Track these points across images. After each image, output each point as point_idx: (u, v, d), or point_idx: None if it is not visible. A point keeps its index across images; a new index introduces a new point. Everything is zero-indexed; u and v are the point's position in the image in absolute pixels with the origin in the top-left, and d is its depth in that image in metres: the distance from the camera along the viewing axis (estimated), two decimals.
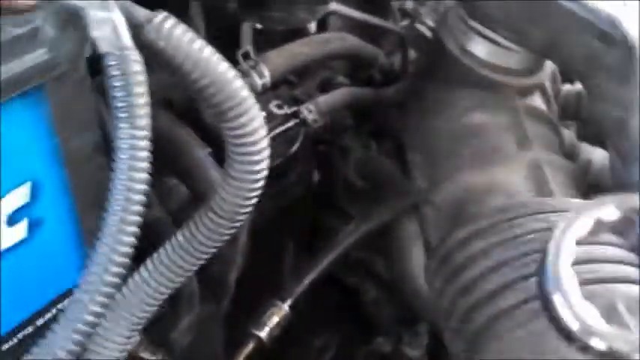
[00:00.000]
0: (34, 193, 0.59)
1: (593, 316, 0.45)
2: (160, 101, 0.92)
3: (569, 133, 0.80)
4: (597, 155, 0.82)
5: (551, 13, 0.64)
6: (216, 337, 0.99)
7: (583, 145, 0.84)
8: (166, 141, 0.87)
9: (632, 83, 0.64)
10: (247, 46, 0.96)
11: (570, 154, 0.80)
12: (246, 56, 0.98)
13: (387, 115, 1.14)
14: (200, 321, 0.87)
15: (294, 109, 1.00)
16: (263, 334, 0.85)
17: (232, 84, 0.52)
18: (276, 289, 0.99)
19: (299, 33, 1.04)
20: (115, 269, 0.51)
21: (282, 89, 1.10)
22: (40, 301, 0.65)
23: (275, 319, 0.86)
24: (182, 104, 0.94)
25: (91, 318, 0.51)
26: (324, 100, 1.03)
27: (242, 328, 0.91)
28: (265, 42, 1.02)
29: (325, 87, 1.15)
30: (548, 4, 0.65)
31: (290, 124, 0.98)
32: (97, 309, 0.51)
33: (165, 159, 0.89)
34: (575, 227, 0.46)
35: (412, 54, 1.18)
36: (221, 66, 0.52)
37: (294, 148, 0.98)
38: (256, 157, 0.55)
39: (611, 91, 0.63)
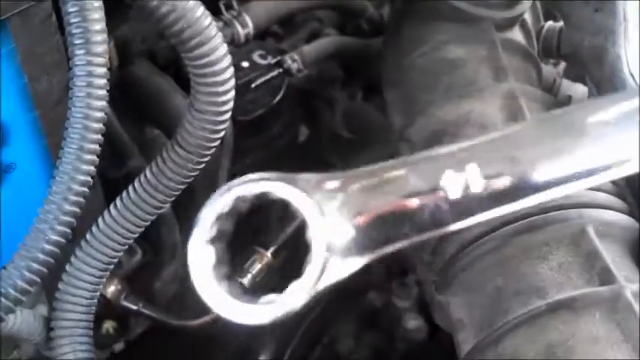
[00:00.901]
0: (4, 137, 0.59)
1: None
2: (143, 52, 0.91)
3: (549, 69, 0.79)
4: (578, 90, 0.81)
5: None
6: None
7: (564, 81, 0.82)
8: (147, 90, 0.87)
9: (611, 9, 0.63)
10: None
11: (550, 89, 0.79)
12: (228, 6, 0.97)
13: (375, 66, 1.13)
14: (185, 271, 0.87)
15: (278, 58, 0.99)
16: (245, 280, 0.85)
17: (193, 11, 0.51)
18: (259, 237, 0.99)
19: None
20: (74, 198, 0.51)
21: (268, 41, 1.09)
22: (16, 245, 0.65)
23: (257, 266, 0.86)
24: (165, 56, 0.94)
25: (50, 247, 0.50)
26: (309, 49, 1.02)
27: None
28: None
29: (313, 39, 1.14)
30: None
31: (273, 73, 0.98)
32: (57, 238, 0.51)
33: (146, 109, 0.89)
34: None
35: None
36: None
37: (278, 97, 0.97)
38: (220, 88, 0.54)
39: (587, 18, 0.62)
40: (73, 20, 0.48)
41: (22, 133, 0.61)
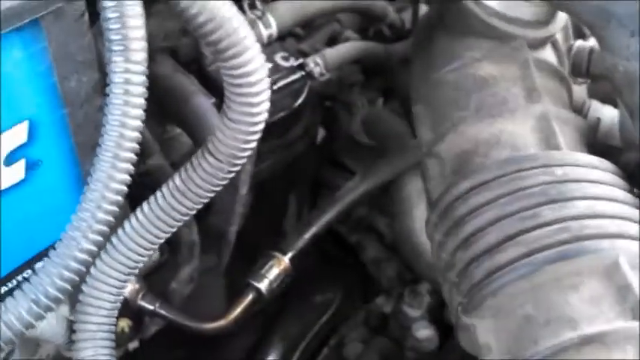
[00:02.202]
0: (32, 133, 0.58)
1: None
2: (165, 50, 0.91)
3: (579, 89, 0.78)
4: (607, 113, 0.80)
5: None
6: (216, 288, 0.99)
7: (593, 102, 0.82)
8: (170, 88, 0.86)
9: None
10: None
11: (579, 111, 0.78)
12: (252, 6, 0.96)
13: (395, 72, 1.12)
14: (200, 272, 0.87)
15: (301, 61, 0.99)
16: (262, 285, 0.85)
17: (231, 21, 0.50)
18: (277, 242, 0.98)
19: None
20: (108, 207, 0.50)
21: (288, 42, 1.08)
22: (38, 245, 0.65)
23: (275, 271, 0.86)
24: (187, 54, 0.93)
25: (82, 256, 0.50)
26: (332, 53, 1.01)
27: (242, 280, 0.91)
28: None
29: (333, 41, 1.13)
30: None
31: (296, 76, 0.97)
32: (90, 246, 0.50)
33: (168, 107, 0.88)
34: None
35: (423, 9, 1.16)
36: (219, 3, 0.50)
37: (299, 101, 0.96)
38: (255, 99, 0.54)
39: (621, 42, 0.61)
40: (112, 26, 0.48)
41: (49, 131, 0.60)
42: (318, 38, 1.12)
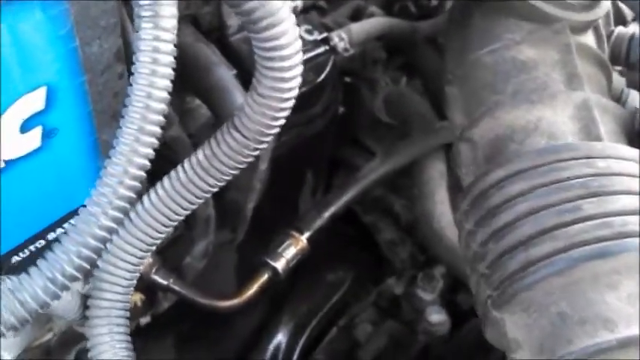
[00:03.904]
0: (50, 100, 0.56)
1: None
2: (187, 18, 0.88)
3: (618, 78, 0.75)
4: None
5: None
6: (228, 263, 0.98)
7: (632, 91, 0.79)
8: (190, 58, 0.83)
9: None
10: None
11: (617, 100, 0.75)
12: None
13: (419, 50, 1.09)
14: (215, 247, 0.85)
15: (325, 35, 0.95)
16: (279, 265, 0.83)
17: None
18: (291, 220, 0.96)
19: None
20: (130, 182, 0.48)
21: (312, 15, 1.04)
22: (52, 215, 0.63)
23: (292, 251, 0.84)
24: (209, 22, 0.90)
25: (102, 233, 0.48)
26: (357, 28, 0.98)
27: (256, 257, 0.89)
28: None
29: (357, 16, 1.10)
30: None
31: (319, 50, 0.94)
32: (109, 223, 0.48)
33: (188, 77, 0.85)
34: None
35: None
36: None
37: (322, 76, 0.93)
38: (287, 74, 0.51)
39: None
40: None
41: (67, 98, 0.58)
42: (341, 12, 1.09)
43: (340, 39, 0.95)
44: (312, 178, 1.07)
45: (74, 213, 0.63)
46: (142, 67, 0.46)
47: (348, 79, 1.10)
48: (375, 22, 1.01)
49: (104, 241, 0.49)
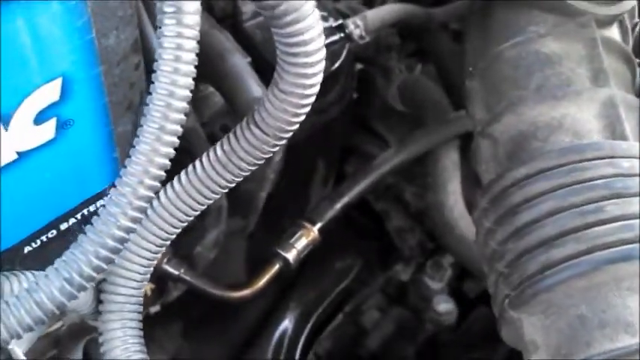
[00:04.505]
0: (65, 91, 0.55)
1: None
2: (201, 4, 0.86)
3: None
4: None
5: None
6: (240, 252, 0.97)
7: None
8: (204, 45, 0.81)
9: None
10: None
11: None
12: None
13: (434, 37, 1.07)
14: (226, 236, 0.84)
15: (340, 22, 0.94)
16: (290, 256, 0.82)
17: None
18: (302, 207, 0.95)
19: None
20: (151, 182, 0.47)
21: (325, 0, 1.03)
22: (65, 205, 0.62)
23: (304, 242, 0.83)
24: (223, 9, 0.89)
25: (120, 233, 0.47)
26: (373, 15, 0.96)
27: (267, 248, 0.89)
28: None
29: (370, 1, 1.08)
30: None
31: (334, 37, 0.92)
32: (128, 224, 0.47)
33: (202, 65, 0.84)
34: None
35: None
36: None
37: (337, 64, 0.92)
38: (310, 70, 0.50)
39: None
40: None
41: (83, 90, 0.57)
42: None
43: (356, 26, 0.94)
44: (323, 166, 1.06)
45: (87, 203, 0.63)
46: (165, 64, 0.45)
47: (361, 66, 1.08)
48: (390, 9, 0.99)
49: (123, 241, 0.48)
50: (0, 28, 0.47)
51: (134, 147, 0.47)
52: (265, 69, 0.83)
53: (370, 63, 1.07)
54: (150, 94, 0.47)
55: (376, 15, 0.97)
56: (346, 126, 1.06)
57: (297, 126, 0.55)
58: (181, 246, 0.80)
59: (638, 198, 0.54)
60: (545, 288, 0.54)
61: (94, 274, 0.47)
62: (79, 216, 0.63)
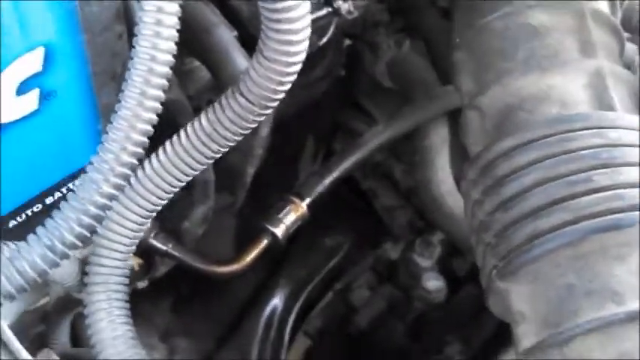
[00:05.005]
0: (48, 61, 0.54)
1: None
2: None
3: (630, 46, 0.73)
4: None
5: None
6: (227, 228, 0.97)
7: None
8: (190, 18, 0.81)
9: None
10: None
11: (628, 67, 0.74)
12: None
13: (422, 12, 1.06)
14: (214, 213, 0.84)
15: None
16: (279, 231, 0.82)
17: None
18: (291, 183, 0.95)
19: None
20: (133, 148, 0.46)
21: None
22: (50, 179, 0.61)
23: (292, 217, 0.83)
24: None
25: (102, 200, 0.46)
26: None
27: (255, 222, 0.88)
28: None
29: None
30: None
31: (322, 12, 0.91)
32: (110, 190, 0.46)
33: (187, 38, 0.83)
34: None
35: None
36: None
37: (325, 39, 0.91)
38: (295, 37, 0.49)
39: None
40: None
41: (65, 59, 0.56)
42: None
43: (344, 0, 0.93)
44: (312, 143, 1.06)
45: (72, 176, 0.62)
46: (145, 28, 0.45)
47: (348, 42, 1.07)
48: None
49: (105, 208, 0.47)
50: None
51: (115, 112, 0.46)
52: (252, 44, 0.82)
53: (358, 39, 1.06)
54: (131, 59, 0.46)
55: None
56: (334, 102, 1.06)
57: (282, 95, 0.54)
58: (169, 221, 0.79)
59: (625, 168, 0.54)
60: (533, 258, 0.54)
61: (77, 242, 0.47)
62: (64, 190, 0.62)
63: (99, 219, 0.47)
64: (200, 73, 0.84)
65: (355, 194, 1.20)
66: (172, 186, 0.56)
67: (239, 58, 0.75)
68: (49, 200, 0.62)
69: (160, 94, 0.46)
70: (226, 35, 0.78)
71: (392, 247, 1.20)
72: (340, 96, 1.07)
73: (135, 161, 0.47)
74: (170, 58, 0.46)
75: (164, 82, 0.46)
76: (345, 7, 0.93)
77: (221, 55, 0.77)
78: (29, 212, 0.61)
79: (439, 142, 0.96)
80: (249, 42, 0.84)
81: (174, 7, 0.45)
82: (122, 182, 0.47)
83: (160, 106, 0.47)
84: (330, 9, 0.92)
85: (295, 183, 1.00)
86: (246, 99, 0.53)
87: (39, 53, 0.53)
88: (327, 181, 0.86)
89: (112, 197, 0.47)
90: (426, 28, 1.07)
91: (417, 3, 1.04)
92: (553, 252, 0.53)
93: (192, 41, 0.81)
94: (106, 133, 0.47)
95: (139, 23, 0.45)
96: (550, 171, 0.55)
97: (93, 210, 0.46)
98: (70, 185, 0.62)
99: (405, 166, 1.14)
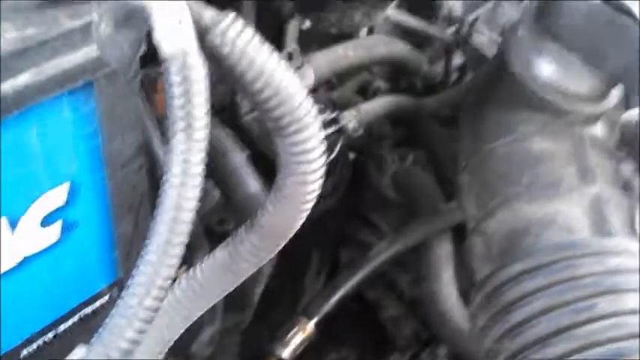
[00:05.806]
0: (71, 195, 0.56)
1: None
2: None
3: (628, 166, 0.76)
4: None
5: (630, 37, 0.60)
6: (235, 347, 0.96)
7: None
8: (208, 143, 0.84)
9: None
10: (292, 45, 0.92)
11: (626, 187, 0.76)
12: (290, 57, 0.94)
13: (424, 126, 1.10)
14: (221, 332, 0.84)
15: (335, 115, 0.96)
16: (286, 353, 0.82)
17: (296, 97, 0.48)
18: (296, 299, 0.95)
19: (345, 34, 1.01)
20: (157, 293, 0.47)
21: (321, 93, 1.06)
22: (64, 306, 0.62)
23: (300, 338, 0.83)
24: (219, 102, 0.91)
25: (125, 345, 0.47)
26: (366, 108, 0.99)
27: (260, 338, 0.88)
28: (308, 42, 0.98)
29: (363, 91, 1.11)
30: (627, 28, 0.61)
31: (329, 130, 0.95)
32: (135, 336, 0.47)
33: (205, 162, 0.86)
34: None
35: (455, 62, 1.15)
36: (286, 78, 0.48)
37: (332, 157, 0.94)
38: (311, 177, 0.51)
39: None
40: (176, 103, 0.46)
41: (88, 193, 0.58)
42: (349, 87, 1.11)
43: (350, 120, 0.96)
44: (318, 257, 1.07)
45: (86, 303, 0.63)
46: (173, 176, 0.47)
47: (353, 156, 1.11)
48: (383, 103, 1.03)
49: (128, 354, 0.48)
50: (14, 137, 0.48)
51: (142, 257, 0.48)
52: (262, 161, 0.85)
53: (362, 152, 1.10)
54: (157, 207, 0.48)
55: (370, 108, 1.00)
56: (340, 216, 1.08)
57: (297, 228, 0.56)
58: (177, 343, 0.79)
59: (624, 295, 0.55)
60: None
61: None
62: (77, 317, 0.63)
63: None
64: (212, 192, 0.86)
65: (360, 305, 1.20)
66: (187, 319, 0.57)
67: (251, 181, 0.78)
68: (62, 328, 0.62)
69: (183, 240, 0.48)
70: (239, 158, 0.81)
71: (398, 359, 1.20)
72: (346, 210, 1.10)
73: (159, 305, 0.48)
74: (194, 204, 0.48)
75: (187, 229, 0.48)
76: (351, 125, 0.97)
77: (233, 177, 0.79)
78: (42, 341, 0.61)
79: (444, 256, 0.97)
80: (260, 160, 0.87)
81: (200, 157, 0.47)
82: (145, 326, 0.48)
83: (182, 252, 0.49)
84: (336, 127, 0.96)
85: (301, 297, 1.01)
86: (265, 233, 0.54)
87: (64, 188, 0.55)
88: (334, 299, 0.87)
89: (134, 342, 0.47)
90: (427, 138, 1.10)
91: (419, 115, 1.08)
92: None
93: (208, 164, 0.84)
94: (133, 277, 0.48)
95: (167, 173, 0.47)
96: (555, 298, 0.57)
97: (115, 355, 0.47)
98: (83, 313, 0.63)
99: (409, 276, 1.15)
